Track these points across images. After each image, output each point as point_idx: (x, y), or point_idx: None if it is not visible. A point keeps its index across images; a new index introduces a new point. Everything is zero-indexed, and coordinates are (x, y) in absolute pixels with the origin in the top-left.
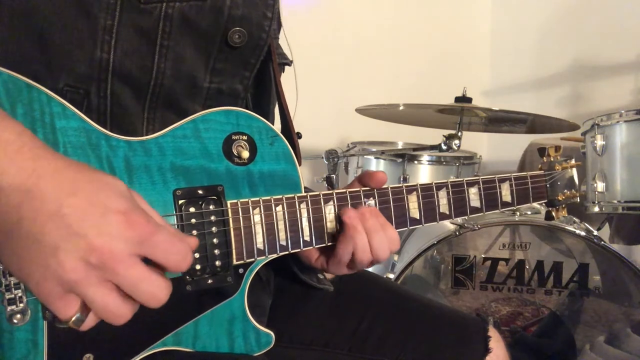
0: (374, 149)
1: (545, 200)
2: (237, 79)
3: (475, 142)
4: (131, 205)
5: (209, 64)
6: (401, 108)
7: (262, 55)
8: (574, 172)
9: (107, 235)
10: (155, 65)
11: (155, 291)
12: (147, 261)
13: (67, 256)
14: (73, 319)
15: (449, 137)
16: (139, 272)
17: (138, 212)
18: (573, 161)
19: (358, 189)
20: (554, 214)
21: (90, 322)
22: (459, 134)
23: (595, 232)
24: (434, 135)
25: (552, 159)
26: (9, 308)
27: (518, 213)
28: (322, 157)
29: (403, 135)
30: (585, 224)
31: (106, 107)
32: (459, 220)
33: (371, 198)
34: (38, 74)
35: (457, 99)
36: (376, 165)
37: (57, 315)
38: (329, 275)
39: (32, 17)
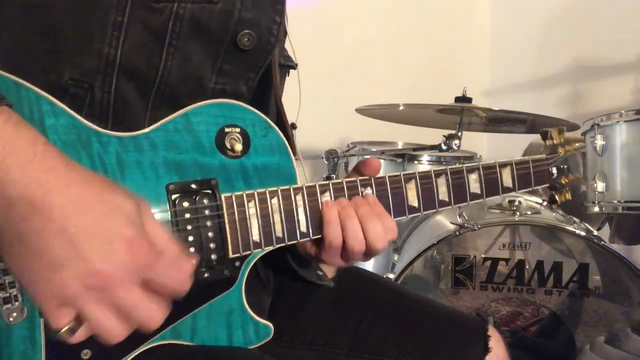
0: (374, 149)
1: (548, 185)
2: (242, 80)
3: (475, 142)
4: (136, 232)
5: (215, 65)
6: (401, 108)
7: (269, 59)
8: (577, 155)
9: (110, 262)
10: (162, 63)
11: (151, 316)
12: None
13: (69, 275)
14: (65, 328)
15: (449, 137)
16: (136, 298)
17: (142, 240)
18: (577, 144)
19: (355, 178)
20: (557, 197)
21: (81, 334)
22: (459, 134)
23: (595, 232)
24: (434, 135)
25: (554, 142)
26: (5, 307)
27: (518, 213)
28: (322, 157)
29: (403, 135)
30: (585, 224)
31: (109, 103)
32: (459, 219)
33: (368, 187)
34: (44, 65)
35: (457, 99)
36: None
37: (50, 324)
38: (329, 273)
39: (44, 9)
